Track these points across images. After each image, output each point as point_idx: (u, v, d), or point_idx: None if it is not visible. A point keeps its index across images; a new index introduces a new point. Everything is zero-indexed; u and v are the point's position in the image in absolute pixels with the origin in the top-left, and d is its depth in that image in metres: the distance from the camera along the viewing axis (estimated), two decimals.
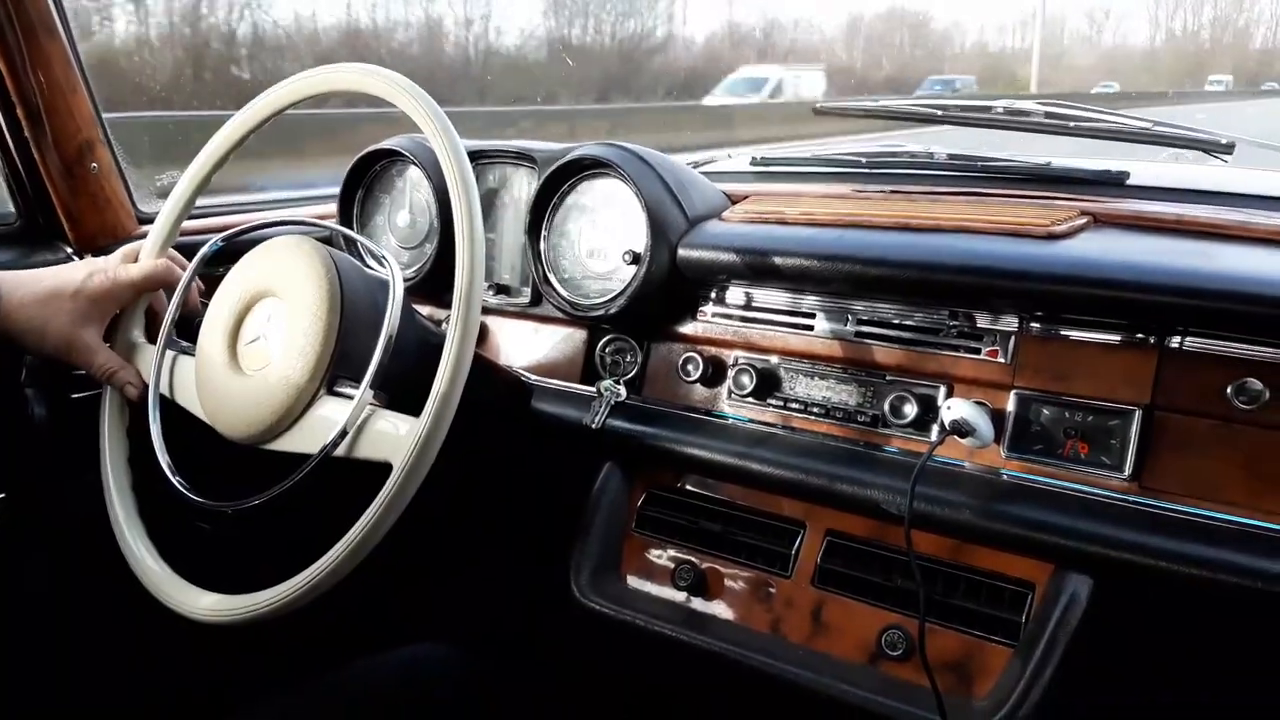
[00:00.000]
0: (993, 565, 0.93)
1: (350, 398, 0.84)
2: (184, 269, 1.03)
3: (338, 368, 0.87)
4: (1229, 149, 1.15)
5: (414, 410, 0.81)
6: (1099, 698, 0.92)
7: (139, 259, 1.04)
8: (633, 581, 1.12)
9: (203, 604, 0.86)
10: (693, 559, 1.09)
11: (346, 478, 0.83)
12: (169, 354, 0.99)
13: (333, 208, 1.41)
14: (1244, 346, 0.85)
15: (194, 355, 0.96)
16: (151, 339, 1.02)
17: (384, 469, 0.79)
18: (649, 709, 1.31)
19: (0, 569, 1.08)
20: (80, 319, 0.97)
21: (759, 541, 1.06)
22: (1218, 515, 0.84)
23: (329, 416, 0.85)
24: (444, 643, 1.00)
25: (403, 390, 0.87)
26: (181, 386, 0.98)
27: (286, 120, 1.01)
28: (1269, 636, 0.85)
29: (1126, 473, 0.89)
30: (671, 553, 1.11)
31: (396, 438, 0.81)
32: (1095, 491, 0.89)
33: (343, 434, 0.82)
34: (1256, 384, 0.85)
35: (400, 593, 1.32)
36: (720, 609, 1.06)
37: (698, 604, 1.07)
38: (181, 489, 0.91)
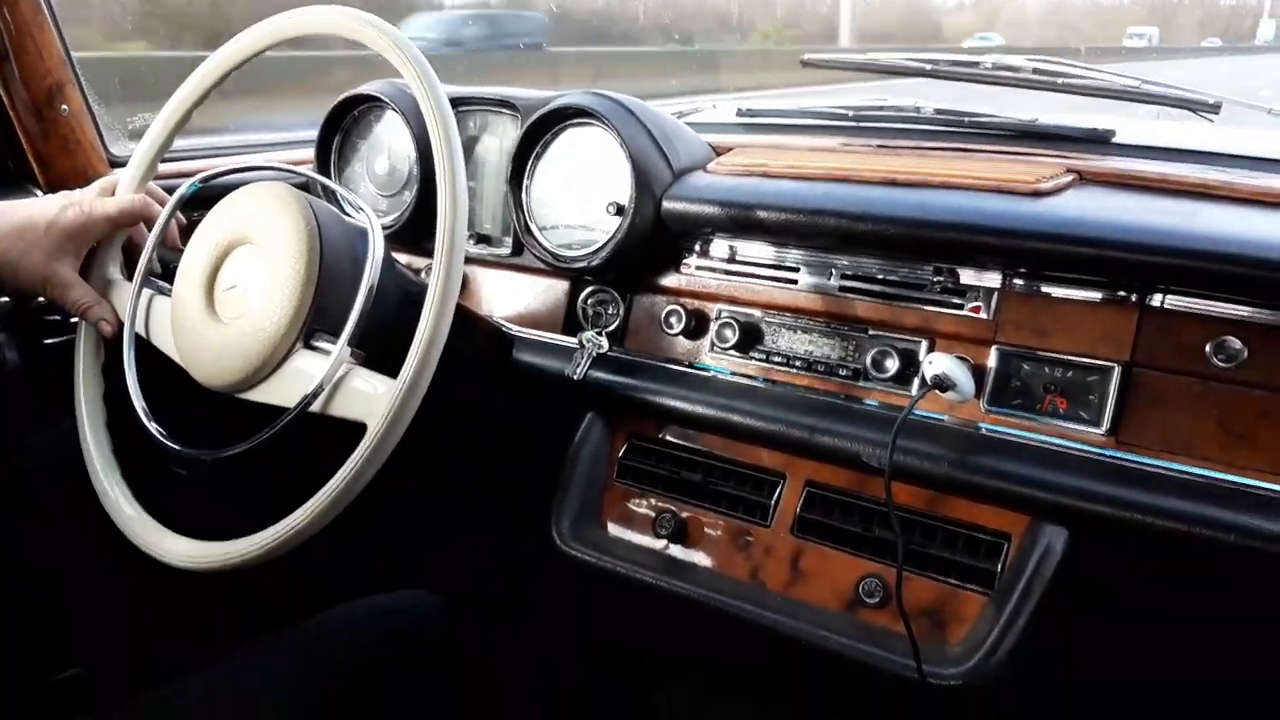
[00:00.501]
0: (970, 516, 0.95)
1: (327, 353, 0.83)
2: (163, 205, 1.01)
3: (315, 321, 0.86)
4: (1215, 108, 1.15)
5: (392, 366, 0.80)
6: (1071, 646, 0.94)
7: (115, 193, 1.01)
8: (613, 530, 1.13)
9: (177, 549, 0.86)
10: (673, 508, 1.10)
11: (326, 430, 0.82)
12: (146, 293, 0.98)
13: (309, 153, 1.38)
14: (1224, 305, 0.86)
15: (170, 295, 0.95)
16: (129, 276, 1.00)
17: (361, 424, 0.79)
18: (629, 656, 1.33)
19: None
20: (55, 253, 0.95)
21: (739, 491, 1.07)
22: (1193, 470, 0.85)
23: (305, 370, 0.84)
24: (424, 590, 1.01)
25: (381, 341, 0.86)
26: (158, 327, 0.96)
27: (259, 64, 0.99)
28: (1241, 588, 0.87)
29: (1104, 428, 0.90)
30: (652, 502, 1.12)
31: (373, 397, 0.80)
32: (1073, 446, 0.90)
33: (318, 390, 0.82)
34: (1235, 343, 0.86)
35: (382, 543, 1.32)
36: (700, 557, 1.07)
37: (677, 552, 1.08)
38: (157, 435, 0.91)
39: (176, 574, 0.86)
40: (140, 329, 0.97)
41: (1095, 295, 0.91)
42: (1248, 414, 0.85)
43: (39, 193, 1.26)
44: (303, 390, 0.82)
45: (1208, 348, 0.87)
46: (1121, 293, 0.90)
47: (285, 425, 0.82)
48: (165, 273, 1.00)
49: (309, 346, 0.86)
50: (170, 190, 1.02)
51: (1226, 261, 0.83)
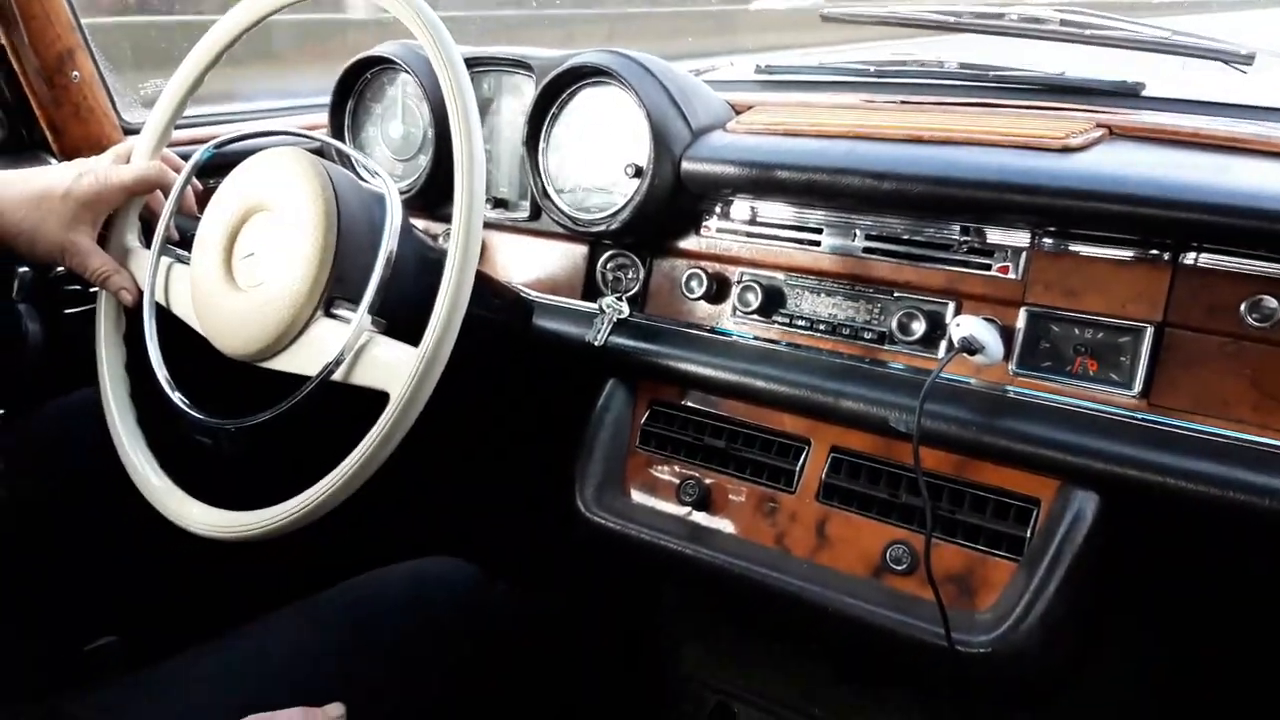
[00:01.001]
0: (999, 481, 0.93)
1: (347, 321, 0.83)
2: (178, 171, 1.00)
3: (334, 289, 0.85)
4: (1249, 59, 1.11)
5: (413, 334, 0.79)
6: (1102, 612, 0.93)
7: (131, 160, 1.00)
8: (637, 497, 1.12)
9: (204, 518, 0.86)
10: (696, 474, 1.09)
11: (350, 398, 0.82)
12: (165, 261, 0.97)
13: (323, 117, 1.37)
14: (1259, 263, 0.84)
15: (189, 264, 0.94)
16: (147, 244, 1.00)
17: (383, 395, 0.78)
18: (654, 622, 1.34)
19: None
20: (72, 221, 0.95)
21: (763, 457, 1.06)
22: (1227, 433, 0.84)
23: (326, 339, 0.84)
24: (450, 558, 1.01)
25: (401, 309, 0.85)
26: (177, 296, 0.96)
27: (269, 25, 0.97)
28: (1277, 553, 0.86)
29: (1136, 390, 0.89)
30: (675, 468, 1.11)
31: (394, 366, 0.79)
32: (1104, 408, 0.89)
33: (340, 360, 0.81)
34: (1271, 301, 0.84)
35: (408, 511, 1.32)
36: (724, 524, 1.07)
37: (701, 519, 1.08)
38: (180, 405, 0.90)
39: (206, 543, 0.86)
40: (160, 298, 0.96)
41: (1126, 254, 0.89)
42: None
43: (53, 160, 1.26)
44: (324, 359, 0.81)
45: (1242, 307, 0.85)
46: (1154, 251, 0.88)
47: (308, 394, 0.82)
48: (183, 240, 0.99)
49: (329, 314, 0.85)
50: (185, 157, 1.01)
51: (1262, 218, 0.81)
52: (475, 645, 0.96)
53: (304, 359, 0.85)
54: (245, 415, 0.86)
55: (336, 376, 0.81)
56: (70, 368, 1.07)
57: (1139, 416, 0.87)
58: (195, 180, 1.01)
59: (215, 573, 1.09)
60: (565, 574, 1.37)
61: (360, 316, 0.81)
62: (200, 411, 0.90)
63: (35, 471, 1.07)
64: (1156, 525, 0.88)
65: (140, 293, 0.97)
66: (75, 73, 1.24)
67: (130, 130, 1.33)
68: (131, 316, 0.99)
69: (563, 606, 1.18)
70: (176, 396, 0.91)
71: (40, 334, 1.15)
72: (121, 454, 0.94)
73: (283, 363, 0.86)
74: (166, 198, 0.99)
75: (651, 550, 1.06)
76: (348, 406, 0.82)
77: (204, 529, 0.86)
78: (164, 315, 0.96)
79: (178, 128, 1.03)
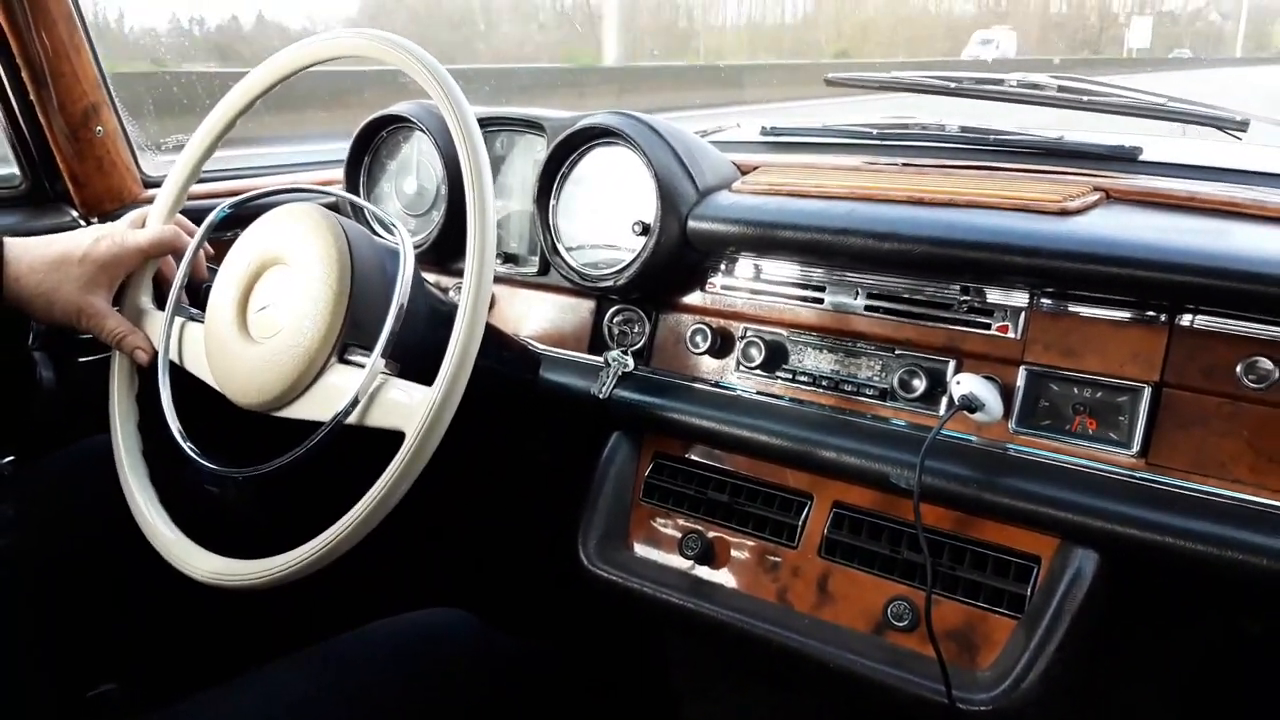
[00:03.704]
0: (999, 539, 0.94)
1: (362, 366, 0.84)
2: (192, 235, 1.03)
3: (349, 336, 0.87)
4: (1243, 126, 1.14)
5: (425, 379, 0.81)
6: (1103, 670, 0.93)
7: (146, 224, 1.03)
8: (640, 550, 1.13)
9: (214, 568, 0.87)
10: (699, 528, 1.10)
11: (357, 447, 0.83)
12: (178, 320, 0.99)
13: (338, 173, 1.40)
14: (1255, 325, 0.86)
15: (203, 322, 0.96)
16: (160, 305, 1.02)
17: (395, 439, 0.80)
18: (656, 677, 1.33)
19: (9, 530, 1.09)
20: (88, 284, 0.97)
21: (766, 512, 1.06)
22: (1224, 493, 0.84)
23: (340, 385, 0.85)
24: (454, 609, 1.01)
25: (413, 359, 0.87)
26: (191, 353, 0.98)
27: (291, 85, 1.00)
28: (1275, 614, 0.86)
29: (1134, 449, 0.89)
30: (679, 522, 1.12)
31: (409, 406, 0.81)
32: (1103, 467, 0.90)
33: (354, 402, 0.82)
34: (1266, 363, 0.85)
35: (410, 561, 1.33)
36: (727, 578, 1.07)
37: (704, 573, 1.08)
38: (192, 454, 0.92)
39: (209, 591, 0.86)
40: (174, 356, 0.98)
41: (1124, 315, 0.91)
42: (1279, 435, 0.84)
43: (74, 212, 1.29)
44: (339, 404, 0.83)
45: (1239, 368, 0.86)
46: (1151, 312, 0.90)
47: (321, 440, 0.83)
48: (196, 298, 1.01)
49: (343, 361, 0.87)
50: (199, 213, 1.03)
51: (1257, 281, 0.82)
52: (479, 697, 0.96)
53: (318, 406, 0.86)
54: (258, 465, 0.87)
55: (351, 419, 0.83)
56: (82, 415, 1.08)
57: (1138, 476, 0.88)
58: (206, 243, 1.03)
59: (217, 621, 1.09)
60: (568, 626, 1.37)
61: (375, 359, 0.83)
62: (212, 462, 0.91)
63: (44, 518, 1.08)
64: (1156, 584, 0.89)
65: (155, 353, 0.99)
66: (99, 128, 1.28)
67: (150, 183, 1.36)
68: (144, 375, 1.01)
69: (566, 659, 1.18)
70: (188, 446, 0.92)
71: (54, 381, 1.17)
72: (134, 510, 0.95)
73: (297, 410, 0.87)
74: (180, 260, 1.01)
75: (654, 604, 1.06)
76: (357, 455, 0.83)
77: (213, 578, 0.86)
78: (177, 371, 0.98)
79: (198, 181, 1.06)
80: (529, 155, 1.31)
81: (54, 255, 0.96)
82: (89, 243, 0.98)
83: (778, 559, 1.05)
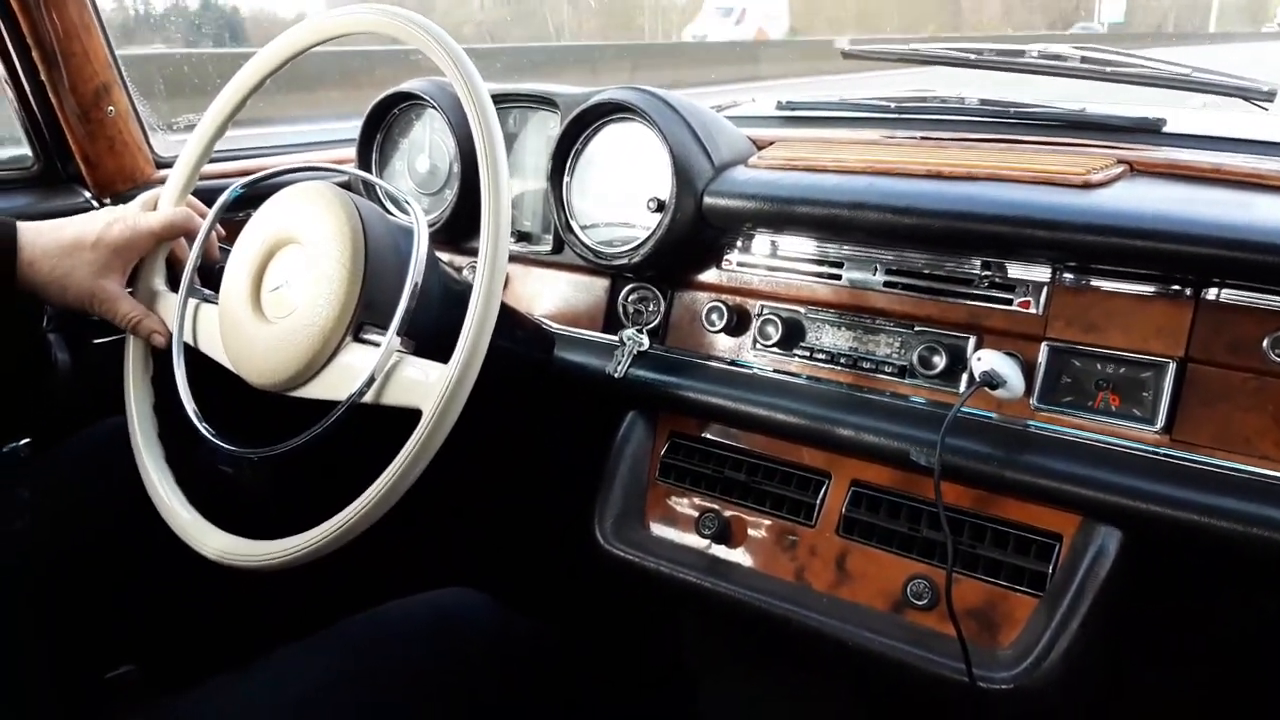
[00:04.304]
0: (1020, 516, 0.93)
1: (377, 345, 0.84)
2: (204, 216, 1.02)
3: (363, 315, 0.87)
4: (1270, 96, 1.12)
5: (440, 358, 0.80)
6: (1126, 649, 0.92)
7: (158, 206, 1.03)
8: (656, 529, 1.12)
9: (227, 547, 0.87)
10: (716, 507, 1.09)
11: (372, 428, 0.82)
12: (191, 302, 0.99)
13: (351, 152, 1.39)
14: None
15: (216, 303, 0.96)
16: (173, 287, 1.01)
17: (410, 418, 0.79)
18: (673, 657, 1.33)
19: (26, 513, 1.09)
20: (102, 269, 0.97)
21: (783, 491, 1.06)
22: (1251, 469, 0.83)
23: (355, 364, 0.85)
24: (469, 589, 1.01)
25: (428, 338, 0.86)
26: (205, 334, 0.97)
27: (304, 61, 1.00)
28: None
29: (1158, 425, 0.88)
30: (695, 501, 1.11)
31: (426, 384, 0.80)
32: (1126, 444, 0.88)
33: (370, 381, 0.82)
34: None
35: (426, 541, 1.33)
36: (744, 557, 1.06)
37: (721, 552, 1.08)
38: (208, 435, 0.92)
39: (226, 571, 0.86)
40: (188, 337, 0.98)
41: (1148, 289, 0.89)
42: None
43: (86, 193, 1.28)
44: (354, 383, 0.82)
45: (1265, 342, 0.85)
46: (1175, 287, 0.88)
47: (336, 420, 0.83)
48: (209, 279, 1.01)
49: (358, 340, 0.87)
50: (212, 193, 1.03)
51: None
52: (494, 677, 0.96)
53: (334, 385, 0.85)
54: (273, 445, 0.87)
55: (368, 398, 0.82)
56: (98, 397, 1.08)
57: (1161, 452, 0.87)
58: (218, 224, 1.03)
59: (234, 602, 1.10)
60: (584, 606, 1.37)
61: (390, 338, 0.82)
62: (227, 443, 0.91)
63: (60, 501, 1.09)
64: (1179, 562, 0.88)
65: (169, 335, 0.99)
66: (110, 107, 1.27)
67: (162, 163, 1.35)
68: (159, 357, 1.00)
69: (582, 639, 1.18)
70: (204, 427, 0.92)
71: (69, 364, 1.17)
72: (151, 491, 0.95)
73: (313, 390, 0.87)
74: (192, 242, 1.01)
75: (670, 583, 1.06)
76: (372, 436, 0.82)
77: (226, 557, 0.86)
78: (191, 352, 0.98)
79: (210, 161, 1.05)
80: (542, 132, 1.29)
81: (67, 240, 0.96)
82: (101, 227, 0.97)
83: (795, 538, 1.04)
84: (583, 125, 1.17)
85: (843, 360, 1.06)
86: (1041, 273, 0.95)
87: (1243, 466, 0.84)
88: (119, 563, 1.07)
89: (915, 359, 1.00)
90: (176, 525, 0.91)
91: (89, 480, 1.10)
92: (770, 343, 1.09)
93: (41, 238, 0.95)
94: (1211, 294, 0.87)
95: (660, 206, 1.10)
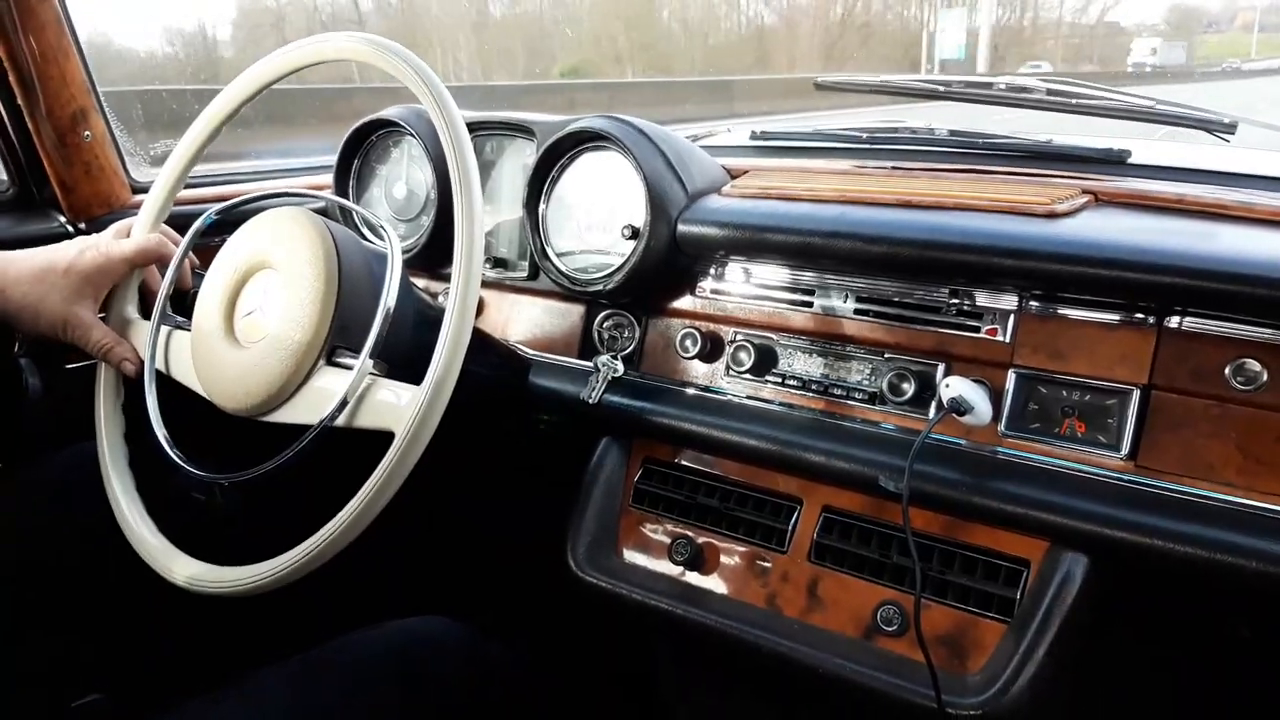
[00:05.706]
0: (988, 542, 0.94)
1: (349, 368, 0.84)
2: (177, 244, 1.02)
3: (336, 338, 0.87)
4: (1231, 129, 1.14)
5: (414, 381, 0.81)
6: (1093, 674, 0.93)
7: (131, 234, 1.03)
8: (629, 556, 1.12)
9: (194, 574, 0.86)
10: (689, 534, 1.09)
11: (345, 453, 0.82)
12: (164, 329, 0.99)
13: (328, 178, 1.40)
14: (1243, 327, 0.85)
15: (189, 330, 0.96)
16: (146, 314, 1.01)
17: (382, 441, 0.79)
18: (645, 683, 1.32)
19: None
20: (74, 296, 0.97)
21: (756, 517, 1.06)
22: (1214, 495, 0.84)
23: (328, 387, 0.85)
24: (441, 616, 1.00)
25: (401, 362, 0.86)
26: (177, 361, 0.97)
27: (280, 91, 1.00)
28: (1264, 617, 0.86)
29: (1123, 452, 0.89)
30: (668, 527, 1.11)
31: (398, 407, 0.80)
32: (1092, 470, 0.89)
33: (343, 404, 0.82)
34: (1254, 365, 0.85)
35: (397, 568, 1.32)
36: (716, 584, 1.06)
37: (694, 578, 1.08)
38: (179, 461, 0.91)
39: (196, 599, 0.86)
40: (160, 364, 0.98)
41: (1113, 317, 0.91)
42: (1268, 438, 0.84)
43: (62, 218, 1.28)
44: (326, 407, 0.82)
45: (1227, 370, 0.86)
46: (1139, 315, 0.90)
47: (309, 443, 0.82)
48: (181, 308, 1.01)
49: (331, 363, 0.87)
50: (187, 219, 1.03)
51: (1245, 283, 0.82)
52: (468, 704, 0.96)
53: (306, 409, 0.85)
54: (245, 470, 0.86)
55: (340, 421, 0.82)
56: (69, 421, 1.08)
57: (1127, 478, 0.88)
58: (190, 253, 1.03)
59: (204, 629, 1.09)
60: (558, 632, 1.37)
61: (363, 359, 0.82)
62: (199, 468, 0.91)
63: (30, 525, 1.08)
64: (1145, 587, 0.88)
65: (141, 363, 0.98)
66: (87, 132, 1.27)
67: (139, 189, 1.35)
68: (130, 385, 1.00)
69: (555, 666, 1.17)
70: (175, 454, 0.92)
71: (40, 388, 1.16)
72: (120, 519, 0.94)
73: (286, 414, 0.87)
74: (165, 269, 1.01)
75: (643, 610, 1.06)
76: (345, 461, 0.82)
77: (193, 584, 0.86)
78: (163, 377, 0.98)
79: (186, 187, 1.05)
80: (518, 159, 1.30)
81: (38, 267, 0.96)
82: (74, 254, 0.98)
83: (767, 564, 1.04)
84: (559, 153, 1.19)
85: (814, 386, 1.06)
86: (1009, 301, 0.96)
87: (1206, 493, 0.85)
88: (87, 588, 1.06)
89: (885, 385, 1.01)
90: (144, 552, 0.91)
91: (58, 505, 1.09)
92: (743, 369, 1.09)
93: (12, 265, 0.95)
94: (1174, 322, 0.88)
95: (635, 234, 1.11)
